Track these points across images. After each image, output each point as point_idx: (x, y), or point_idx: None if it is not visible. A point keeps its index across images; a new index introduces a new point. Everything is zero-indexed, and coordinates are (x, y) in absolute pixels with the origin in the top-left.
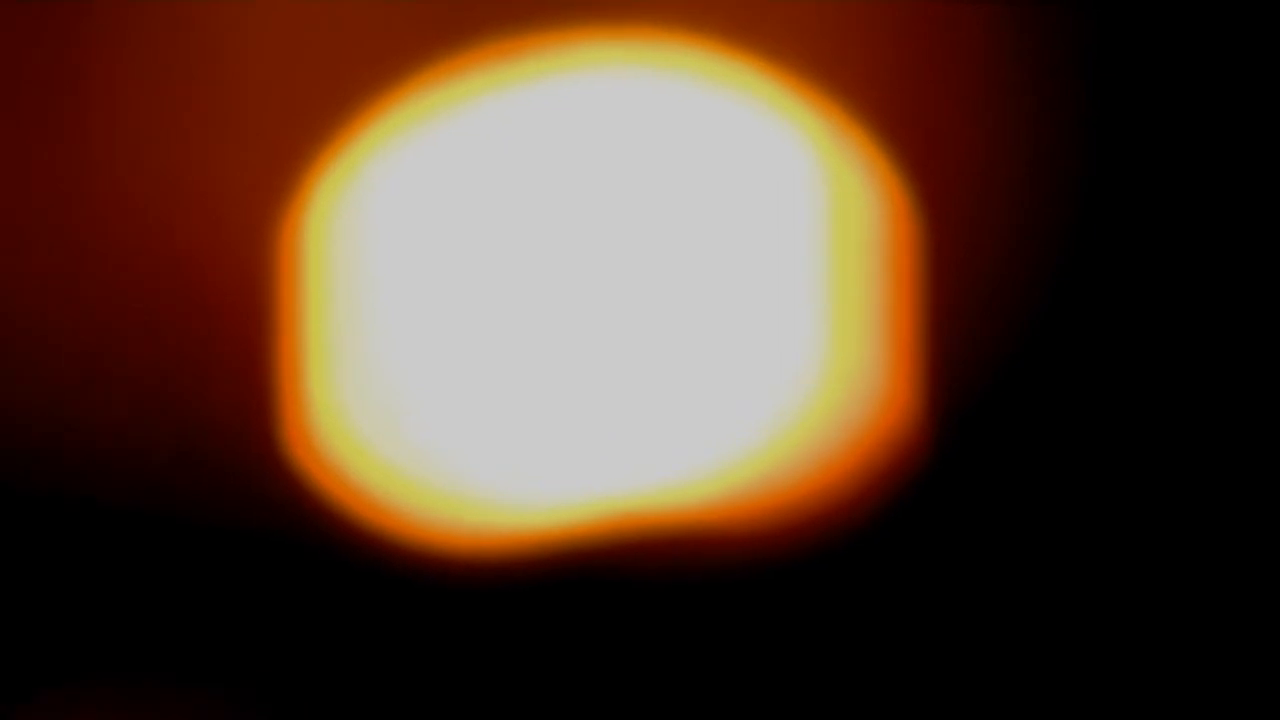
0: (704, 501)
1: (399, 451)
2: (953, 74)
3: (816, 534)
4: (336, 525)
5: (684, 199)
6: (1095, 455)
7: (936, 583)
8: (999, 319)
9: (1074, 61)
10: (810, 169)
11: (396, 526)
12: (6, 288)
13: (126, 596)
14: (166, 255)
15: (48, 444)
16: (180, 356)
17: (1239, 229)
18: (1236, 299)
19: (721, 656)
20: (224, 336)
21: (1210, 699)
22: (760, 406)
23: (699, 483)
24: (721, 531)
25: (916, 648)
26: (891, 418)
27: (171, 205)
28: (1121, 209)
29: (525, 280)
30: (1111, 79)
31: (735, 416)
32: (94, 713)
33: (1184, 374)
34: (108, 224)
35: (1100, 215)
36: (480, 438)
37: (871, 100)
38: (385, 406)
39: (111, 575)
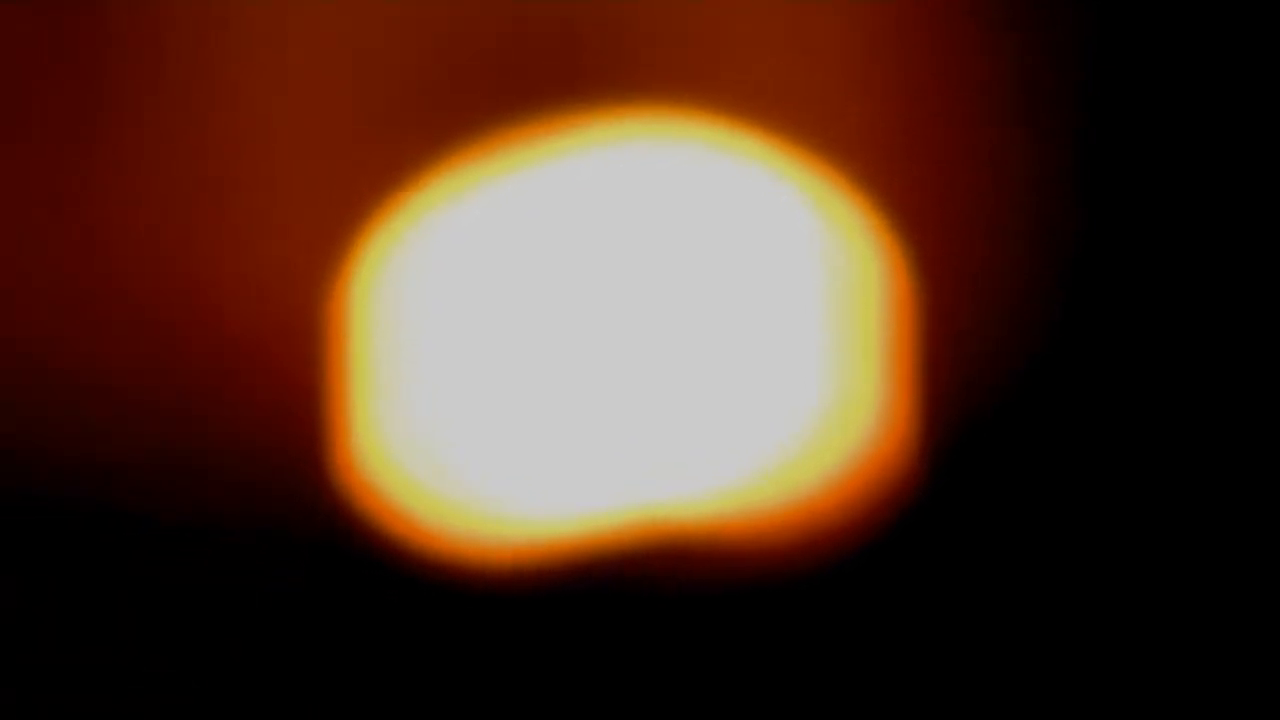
0: (719, 515)
1: (433, 467)
2: (944, 129)
3: (820, 549)
4: (377, 540)
5: (702, 250)
6: (1083, 477)
7: (931, 597)
8: (989, 352)
9: (1067, 111)
10: (812, 223)
11: (428, 539)
12: (63, 333)
13: (174, 608)
14: (224, 303)
15: (107, 470)
16: (236, 396)
17: (1233, 278)
18: (1231, 336)
19: (731, 664)
20: (278, 377)
21: (1207, 706)
22: (772, 432)
23: (715, 497)
24: (733, 544)
25: (913, 657)
26: (890, 444)
27: (227, 258)
28: (1112, 249)
29: (553, 318)
30: (1105, 127)
31: (749, 440)
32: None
33: (1175, 406)
34: (165, 277)
35: (1092, 255)
36: (509, 453)
37: (865, 160)
38: (421, 426)
39: (160, 587)
